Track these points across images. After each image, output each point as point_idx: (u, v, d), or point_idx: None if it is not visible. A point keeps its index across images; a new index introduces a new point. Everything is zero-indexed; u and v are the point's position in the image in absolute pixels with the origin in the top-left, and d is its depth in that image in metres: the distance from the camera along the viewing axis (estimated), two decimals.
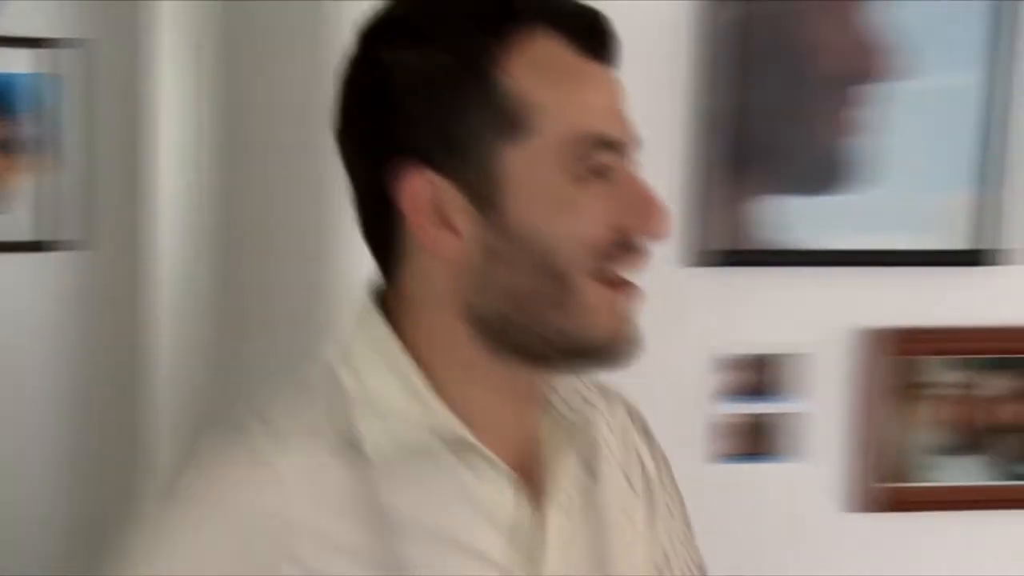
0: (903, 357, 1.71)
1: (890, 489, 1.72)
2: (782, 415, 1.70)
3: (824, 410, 1.71)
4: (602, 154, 0.92)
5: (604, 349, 0.94)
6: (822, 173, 1.68)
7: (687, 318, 1.66)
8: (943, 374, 1.73)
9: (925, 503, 1.72)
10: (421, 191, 0.92)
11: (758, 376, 1.69)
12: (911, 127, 1.69)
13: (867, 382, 1.72)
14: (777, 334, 1.70)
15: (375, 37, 0.95)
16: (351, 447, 0.93)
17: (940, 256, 1.71)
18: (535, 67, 0.91)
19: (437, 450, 0.94)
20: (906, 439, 1.72)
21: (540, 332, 0.93)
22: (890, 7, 1.66)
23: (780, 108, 1.65)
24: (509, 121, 0.91)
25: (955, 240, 1.71)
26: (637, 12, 1.56)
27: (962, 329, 1.73)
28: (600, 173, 0.92)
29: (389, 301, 0.98)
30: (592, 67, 0.93)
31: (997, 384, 1.74)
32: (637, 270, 0.94)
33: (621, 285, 0.94)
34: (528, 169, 0.91)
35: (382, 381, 0.95)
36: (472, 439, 0.94)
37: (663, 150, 1.62)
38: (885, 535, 1.73)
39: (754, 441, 1.70)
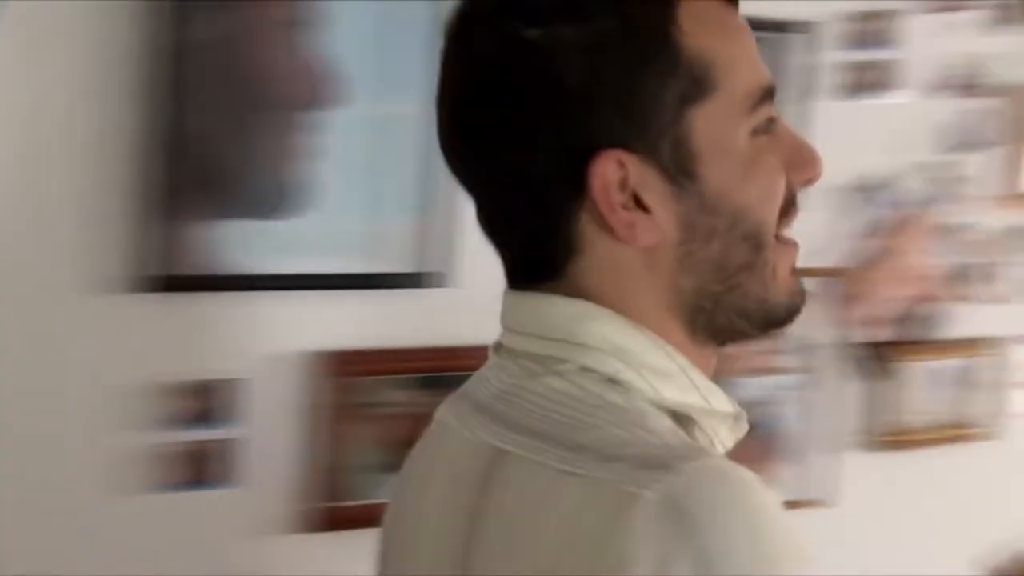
0: (348, 378, 1.71)
1: (332, 508, 1.72)
2: (226, 441, 1.68)
3: (269, 434, 1.69)
4: (766, 106, 0.88)
5: (789, 311, 0.91)
6: (266, 198, 1.65)
7: (121, 345, 1.61)
8: (388, 394, 1.74)
9: (371, 521, 1.73)
10: (612, 175, 0.84)
11: (201, 403, 1.66)
12: (355, 153, 1.69)
13: (312, 404, 1.71)
14: (222, 360, 1.66)
15: (520, 17, 0.84)
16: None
17: (383, 279, 1.73)
18: (703, 22, 0.85)
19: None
20: (349, 459, 1.73)
21: (740, 304, 0.89)
22: (333, 34, 1.64)
23: (222, 133, 1.61)
24: (694, 82, 0.84)
25: (397, 263, 1.73)
26: (65, 27, 1.49)
27: (405, 349, 1.75)
28: (765, 127, 0.88)
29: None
30: (736, 16, 0.89)
31: (440, 401, 1.76)
32: (792, 224, 0.91)
33: (790, 243, 0.91)
34: (715, 131, 0.85)
35: (679, 386, 0.88)
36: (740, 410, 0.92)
37: (93, 173, 1.54)
38: (329, 554, 1.74)
39: (197, 469, 1.68)
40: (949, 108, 2.21)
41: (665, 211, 0.86)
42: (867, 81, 2.15)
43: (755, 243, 0.88)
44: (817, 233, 2.14)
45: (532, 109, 0.85)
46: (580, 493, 0.80)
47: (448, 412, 0.98)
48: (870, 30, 2.14)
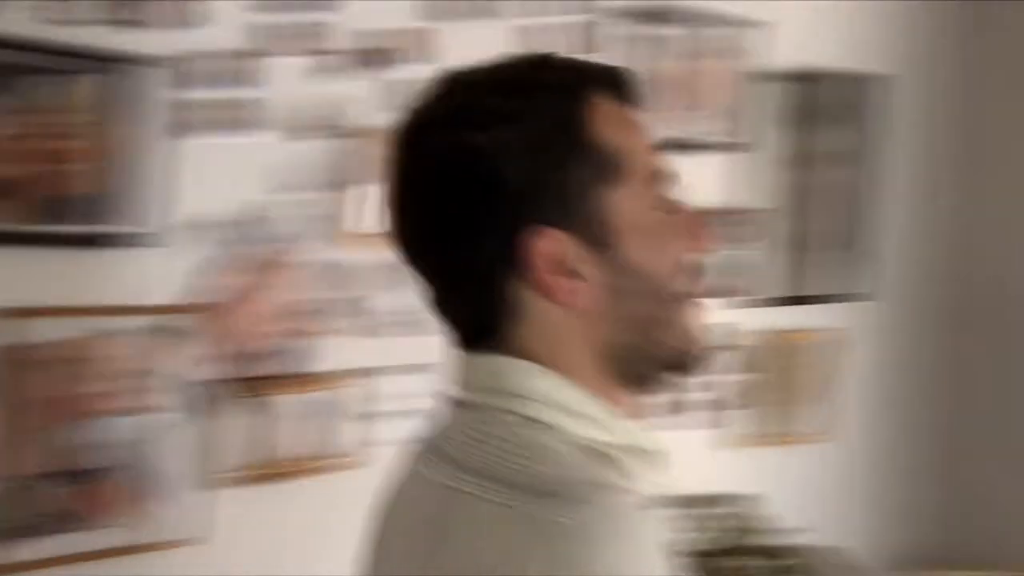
0: None
1: None
2: None
3: None
4: (664, 186, 1.08)
5: (696, 359, 1.10)
6: None
7: None
8: None
9: None
10: (549, 250, 1.02)
11: None
12: None
13: None
14: None
15: (463, 127, 1.03)
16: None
17: None
18: (610, 121, 1.06)
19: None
20: None
21: (656, 353, 1.08)
22: None
23: None
24: (607, 168, 1.04)
25: None
26: None
27: None
28: (665, 204, 1.07)
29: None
30: (636, 114, 1.09)
31: None
32: (697, 285, 1.08)
33: (695, 301, 1.09)
34: (627, 208, 1.05)
35: (604, 429, 1.05)
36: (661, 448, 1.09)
37: None
38: None
39: None
40: (312, 148, 2.28)
41: (593, 277, 1.04)
42: (230, 119, 2.17)
43: (665, 301, 1.07)
44: (180, 270, 2.13)
45: (481, 202, 1.03)
46: (512, 522, 0.97)
47: (419, 461, 1.13)
48: (232, 68, 2.17)
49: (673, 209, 1.09)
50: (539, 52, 1.10)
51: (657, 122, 1.15)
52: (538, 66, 1.09)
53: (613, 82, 1.09)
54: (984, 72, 3.43)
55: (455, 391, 1.11)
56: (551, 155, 1.04)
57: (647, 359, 1.09)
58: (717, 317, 2.81)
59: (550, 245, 1.03)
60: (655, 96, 2.74)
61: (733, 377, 3.09)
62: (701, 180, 2.94)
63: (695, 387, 3.00)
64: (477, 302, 1.07)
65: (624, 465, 1.05)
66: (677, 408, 2.97)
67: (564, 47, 2.63)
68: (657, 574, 0.97)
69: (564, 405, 1.06)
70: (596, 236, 1.04)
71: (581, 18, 2.70)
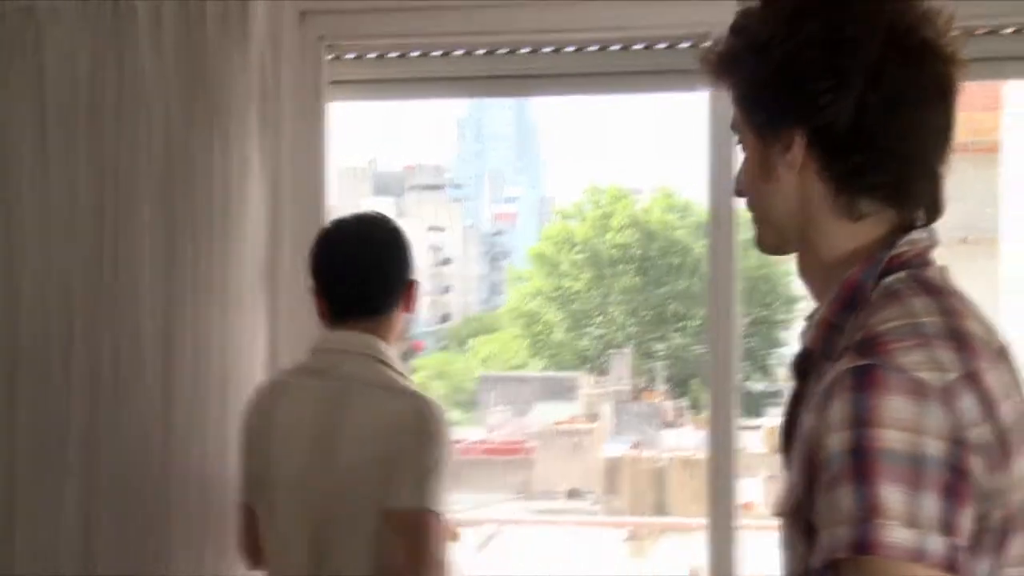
0: None
1: None
2: None
3: None
4: None
5: None
6: None
7: None
8: None
9: None
10: (415, 294, 2.29)
11: None
12: None
13: None
14: None
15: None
16: None
17: None
18: None
19: None
20: None
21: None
22: None
23: None
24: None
25: None
26: None
27: None
28: None
29: None
30: None
31: None
32: None
33: None
34: None
35: (400, 369, 2.26)
36: None
37: None
38: None
39: None
40: None
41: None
42: None
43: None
44: None
45: (403, 269, 2.28)
46: (382, 397, 2.16)
47: (287, 376, 2.33)
48: None
49: None
50: None
51: None
52: None
53: None
54: None
55: (323, 344, 2.25)
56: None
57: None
58: None
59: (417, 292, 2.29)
60: None
61: None
62: None
63: None
64: (382, 297, 2.24)
65: (411, 384, 2.20)
66: None
67: None
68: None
69: (389, 355, 2.21)
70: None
71: None
